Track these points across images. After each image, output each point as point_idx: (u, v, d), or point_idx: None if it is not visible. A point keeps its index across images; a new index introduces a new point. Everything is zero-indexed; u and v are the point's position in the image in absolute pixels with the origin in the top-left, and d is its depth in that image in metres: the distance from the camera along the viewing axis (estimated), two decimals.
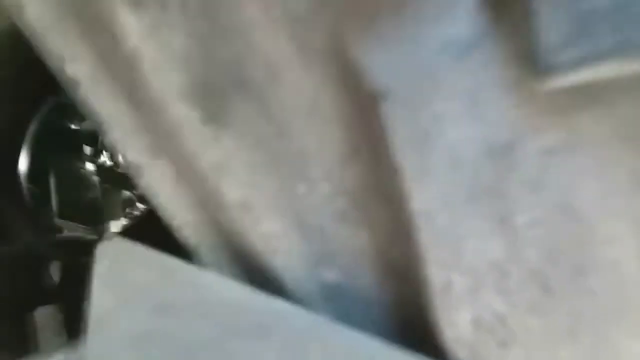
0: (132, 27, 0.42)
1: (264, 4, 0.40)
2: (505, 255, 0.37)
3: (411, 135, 0.35)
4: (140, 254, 0.51)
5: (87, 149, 0.92)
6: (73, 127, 0.91)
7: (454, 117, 0.34)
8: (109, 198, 0.93)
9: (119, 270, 0.50)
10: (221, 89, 0.42)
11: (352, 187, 0.43)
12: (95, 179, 0.92)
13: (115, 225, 0.90)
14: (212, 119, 0.42)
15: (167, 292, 0.48)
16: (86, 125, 0.92)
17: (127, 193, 0.95)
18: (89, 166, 0.92)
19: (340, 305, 0.47)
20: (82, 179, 0.91)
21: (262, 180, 0.44)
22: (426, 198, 0.37)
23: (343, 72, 0.40)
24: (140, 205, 0.94)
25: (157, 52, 0.42)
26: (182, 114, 0.43)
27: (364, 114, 0.40)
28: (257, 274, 0.49)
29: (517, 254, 0.36)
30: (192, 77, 0.42)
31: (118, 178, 0.89)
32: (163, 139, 0.46)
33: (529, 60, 0.31)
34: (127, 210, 0.95)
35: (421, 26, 0.33)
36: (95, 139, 0.92)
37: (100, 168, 0.90)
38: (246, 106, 0.42)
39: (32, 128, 0.84)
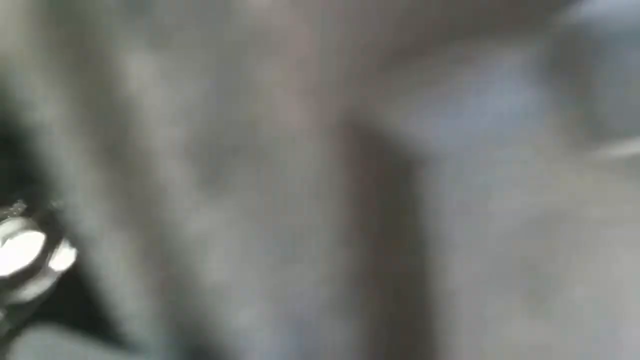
0: (137, 70, 0.38)
1: (287, 69, 0.39)
2: (541, 339, 0.35)
3: (453, 205, 0.35)
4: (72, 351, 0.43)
5: None
6: None
7: (503, 186, 0.34)
8: None
9: None
10: (225, 150, 0.39)
11: (350, 270, 0.40)
12: None
13: None
14: (208, 181, 0.38)
15: None
16: None
17: None
18: None
19: None
20: None
21: (251, 259, 0.39)
22: (458, 275, 0.35)
23: (362, 145, 0.39)
24: None
25: (163, 101, 0.38)
26: (174, 173, 0.39)
27: (382, 188, 0.39)
28: None
29: (557, 336, 0.35)
30: (195, 133, 0.38)
31: None
32: (137, 205, 0.40)
33: (585, 129, 0.33)
34: None
35: (474, 94, 0.34)
36: None
37: None
38: (249, 171, 0.39)
39: None
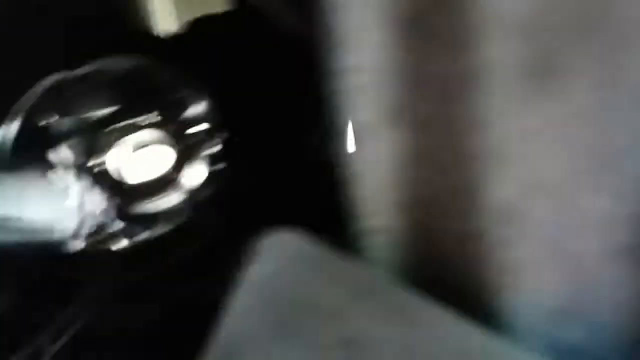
0: None
1: None
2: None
3: None
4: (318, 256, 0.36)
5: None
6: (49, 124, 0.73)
7: None
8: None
9: (282, 278, 0.35)
10: (567, 26, 0.31)
11: None
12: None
13: (74, 245, 0.70)
14: (542, 70, 0.31)
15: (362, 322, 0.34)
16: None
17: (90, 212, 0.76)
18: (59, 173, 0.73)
19: None
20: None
21: (564, 172, 0.32)
22: None
23: None
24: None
25: None
26: (500, 55, 0.31)
27: None
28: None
29: None
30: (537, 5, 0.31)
31: (112, 186, 0.71)
32: (432, 96, 0.33)
33: None
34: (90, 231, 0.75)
35: None
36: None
37: (93, 170, 0.71)
38: (594, 55, 0.31)
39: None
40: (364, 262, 0.38)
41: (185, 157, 0.78)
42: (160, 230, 0.78)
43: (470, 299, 0.36)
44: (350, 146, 0.35)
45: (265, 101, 0.75)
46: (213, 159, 0.81)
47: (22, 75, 0.70)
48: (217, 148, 0.81)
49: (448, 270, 0.35)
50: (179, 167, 0.78)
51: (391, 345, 0.35)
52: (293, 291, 0.36)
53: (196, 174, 0.77)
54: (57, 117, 0.76)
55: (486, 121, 0.32)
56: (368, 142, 0.35)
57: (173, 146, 0.79)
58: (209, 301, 0.65)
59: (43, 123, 0.76)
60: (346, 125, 0.35)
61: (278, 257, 0.36)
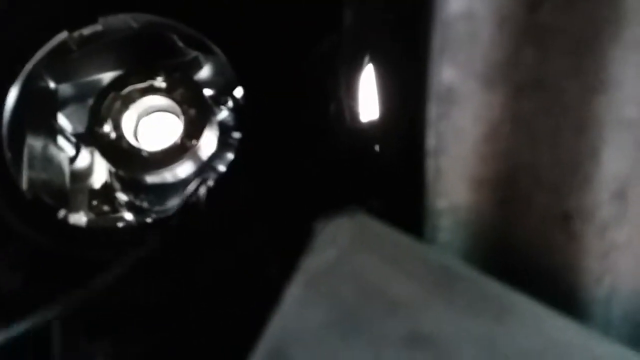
0: None
1: None
2: None
3: None
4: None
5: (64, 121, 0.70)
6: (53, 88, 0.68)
7: None
8: (76, 185, 0.69)
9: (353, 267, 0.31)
10: None
11: None
12: (65, 158, 0.68)
13: (76, 219, 0.66)
14: None
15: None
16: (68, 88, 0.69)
17: (96, 184, 0.72)
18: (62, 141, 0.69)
19: None
20: (53, 156, 0.67)
21: None
22: None
23: None
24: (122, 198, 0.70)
25: None
26: None
27: None
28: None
29: None
30: None
31: (118, 155, 0.67)
32: (543, 50, 0.28)
33: None
34: (94, 203, 0.71)
35: None
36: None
37: (99, 138, 0.66)
38: None
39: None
40: (437, 248, 0.34)
41: (196, 124, 0.73)
42: (171, 203, 0.74)
43: (563, 287, 0.32)
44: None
45: (283, 63, 0.70)
46: (225, 127, 0.76)
47: (24, 37, 0.64)
48: (228, 114, 0.77)
49: (539, 255, 0.31)
50: (190, 134, 0.73)
51: (474, 340, 0.31)
52: (357, 281, 0.32)
53: (209, 142, 0.73)
54: (58, 82, 0.71)
55: (616, 80, 0.27)
56: (455, 107, 0.30)
57: (183, 112, 0.74)
58: (230, 279, 0.62)
59: (46, 87, 0.71)
60: (428, 86, 0.30)
61: (338, 243, 0.32)
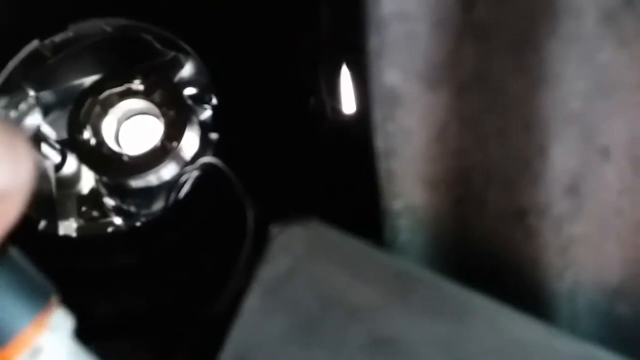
0: None
1: None
2: None
3: None
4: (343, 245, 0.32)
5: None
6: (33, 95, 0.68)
7: None
8: (64, 192, 0.69)
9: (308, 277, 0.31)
10: None
11: None
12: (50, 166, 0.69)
13: (65, 227, 0.66)
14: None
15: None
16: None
17: (84, 189, 0.72)
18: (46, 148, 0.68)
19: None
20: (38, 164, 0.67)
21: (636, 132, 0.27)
22: None
23: None
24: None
25: None
26: None
27: None
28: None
29: None
30: None
31: (100, 161, 0.67)
32: (486, 48, 0.28)
33: None
34: (84, 209, 0.71)
35: None
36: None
37: (79, 145, 0.66)
38: None
39: None
40: (393, 251, 0.33)
41: (176, 125, 0.72)
42: (157, 206, 0.74)
43: (526, 284, 0.31)
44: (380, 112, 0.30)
45: (260, 60, 0.69)
46: (206, 126, 0.76)
47: None
48: (209, 114, 0.76)
49: (499, 252, 0.31)
50: (170, 136, 0.72)
51: (437, 343, 0.31)
52: (314, 289, 0.32)
53: (190, 143, 0.72)
54: (38, 90, 0.71)
55: (557, 74, 0.27)
56: (399, 109, 0.30)
57: (163, 114, 0.74)
58: (213, 285, 0.62)
59: (26, 96, 0.71)
60: (371, 89, 0.29)
61: (293, 251, 0.32)
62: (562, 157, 0.29)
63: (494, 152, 0.30)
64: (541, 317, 0.32)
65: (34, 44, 0.65)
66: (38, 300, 0.21)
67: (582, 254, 0.32)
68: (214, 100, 0.75)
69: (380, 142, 0.30)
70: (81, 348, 0.22)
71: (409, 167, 0.31)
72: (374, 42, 0.28)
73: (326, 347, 0.32)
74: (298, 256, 0.32)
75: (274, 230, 0.33)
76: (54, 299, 0.22)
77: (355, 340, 0.32)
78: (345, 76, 0.60)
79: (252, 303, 0.33)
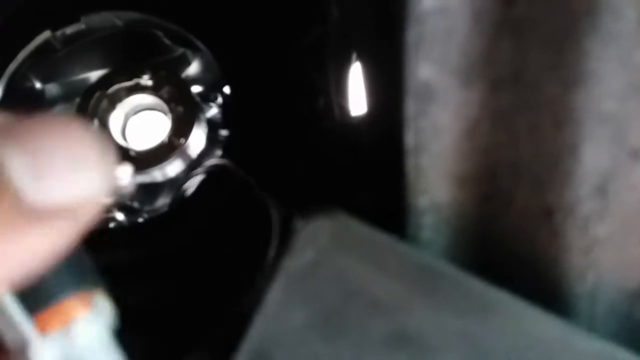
0: None
1: None
2: None
3: None
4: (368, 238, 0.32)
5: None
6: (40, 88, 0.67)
7: None
8: None
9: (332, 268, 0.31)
10: None
11: None
12: None
13: None
14: None
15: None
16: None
17: None
18: None
19: None
20: None
21: None
22: None
23: None
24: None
25: None
26: None
27: None
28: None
29: None
30: None
31: None
32: (520, 45, 0.28)
33: None
34: None
35: None
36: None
37: None
38: None
39: None
40: (418, 246, 0.33)
41: (184, 122, 0.72)
42: (161, 202, 0.73)
43: (547, 283, 0.31)
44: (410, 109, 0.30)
45: (271, 58, 0.69)
46: (213, 124, 0.75)
47: (5, 37, 0.64)
48: (216, 111, 0.76)
49: (522, 250, 0.31)
50: (178, 132, 0.72)
51: (457, 339, 0.31)
52: (338, 282, 0.32)
53: (198, 139, 0.72)
54: (45, 82, 0.71)
55: (594, 73, 0.27)
56: (433, 104, 0.30)
57: (171, 110, 0.74)
58: (222, 281, 0.62)
59: (32, 87, 0.71)
60: (405, 83, 0.30)
61: (318, 243, 0.32)
62: (592, 157, 0.29)
63: (524, 150, 0.30)
64: (560, 317, 0.32)
65: (46, 34, 0.64)
66: (87, 278, 0.21)
67: (605, 256, 0.32)
68: (220, 99, 0.74)
69: (410, 138, 0.30)
70: (114, 343, 0.22)
71: (437, 164, 0.31)
72: (411, 36, 0.29)
73: (348, 340, 0.32)
74: (322, 248, 0.32)
75: (299, 222, 0.33)
76: (102, 286, 0.22)
77: (378, 333, 0.32)
78: (357, 74, 0.60)
79: (275, 295, 0.33)
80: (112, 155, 0.19)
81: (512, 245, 0.33)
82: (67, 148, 0.18)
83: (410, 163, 0.32)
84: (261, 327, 0.33)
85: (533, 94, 0.29)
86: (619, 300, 0.33)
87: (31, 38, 0.64)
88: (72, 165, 0.18)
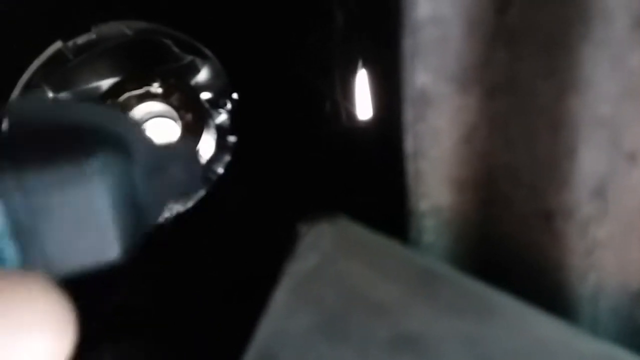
0: None
1: None
2: None
3: None
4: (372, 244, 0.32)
5: None
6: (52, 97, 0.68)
7: None
8: None
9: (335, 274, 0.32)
10: None
11: None
12: None
13: None
14: None
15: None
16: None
17: None
18: None
19: None
20: None
21: None
22: None
23: None
24: None
25: None
26: None
27: None
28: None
29: None
30: None
31: None
32: (516, 51, 0.28)
33: None
34: None
35: None
36: None
37: None
38: None
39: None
40: (419, 250, 0.34)
41: (193, 128, 0.73)
42: (174, 208, 0.74)
43: (548, 286, 0.32)
44: (408, 115, 0.30)
45: (278, 65, 0.70)
46: (222, 130, 0.76)
47: (18, 48, 0.65)
48: (226, 117, 0.77)
49: (523, 254, 0.31)
50: (187, 139, 0.73)
51: (458, 341, 0.31)
52: (341, 286, 0.32)
53: (207, 146, 0.73)
54: (57, 91, 0.72)
55: (588, 79, 0.27)
56: (430, 110, 0.30)
57: (180, 117, 0.74)
58: (226, 281, 0.63)
59: (42, 97, 0.72)
60: (403, 90, 0.30)
61: (321, 248, 0.32)
62: (589, 161, 0.30)
63: (521, 155, 0.31)
64: (562, 319, 0.33)
65: (58, 44, 0.66)
66: None
67: (606, 258, 0.32)
68: (229, 105, 0.75)
69: (409, 143, 0.31)
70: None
71: (436, 168, 0.32)
72: (408, 44, 0.29)
73: (351, 344, 0.33)
74: (326, 253, 0.33)
75: (302, 227, 0.33)
76: None
77: (381, 336, 0.32)
78: (362, 79, 0.60)
79: (279, 299, 0.33)
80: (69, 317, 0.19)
81: (513, 248, 0.33)
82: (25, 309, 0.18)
83: (410, 168, 0.32)
84: (267, 331, 0.33)
85: (528, 99, 0.30)
86: (621, 302, 0.33)
87: (44, 48, 0.65)
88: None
